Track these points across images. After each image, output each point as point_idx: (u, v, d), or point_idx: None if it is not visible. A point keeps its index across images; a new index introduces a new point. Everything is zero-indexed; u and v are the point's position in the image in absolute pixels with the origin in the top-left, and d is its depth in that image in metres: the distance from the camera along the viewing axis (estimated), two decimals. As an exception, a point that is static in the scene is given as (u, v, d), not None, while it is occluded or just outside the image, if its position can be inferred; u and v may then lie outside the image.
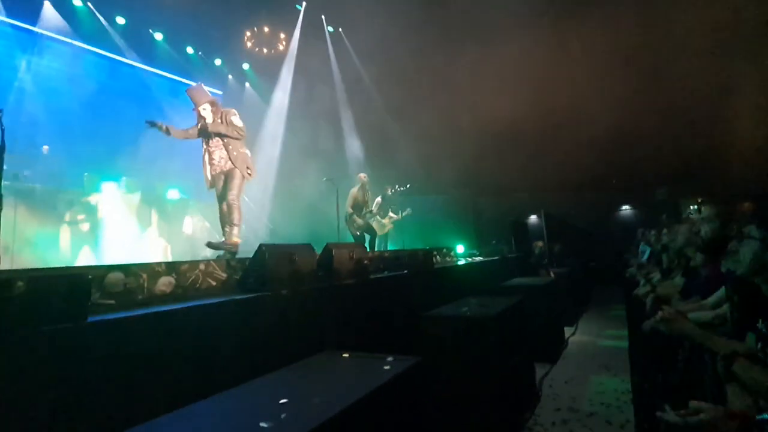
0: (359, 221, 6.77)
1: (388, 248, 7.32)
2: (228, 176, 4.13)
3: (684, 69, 9.03)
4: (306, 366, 1.94)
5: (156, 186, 7.20)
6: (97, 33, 7.95)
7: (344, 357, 2.07)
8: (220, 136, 4.11)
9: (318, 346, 2.42)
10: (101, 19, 7.92)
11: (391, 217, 7.72)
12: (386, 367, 1.85)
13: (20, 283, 1.57)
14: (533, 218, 11.58)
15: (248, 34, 10.05)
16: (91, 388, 1.60)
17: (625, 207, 12.97)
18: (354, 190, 6.84)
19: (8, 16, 6.95)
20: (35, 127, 6.51)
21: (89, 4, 7.71)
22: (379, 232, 7.43)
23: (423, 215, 9.42)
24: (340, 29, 10.90)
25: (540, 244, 8.47)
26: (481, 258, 7.03)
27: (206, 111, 4.15)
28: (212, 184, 4.23)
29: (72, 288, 1.68)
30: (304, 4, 10.17)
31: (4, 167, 2.66)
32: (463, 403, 2.85)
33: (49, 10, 7.38)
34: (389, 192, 7.85)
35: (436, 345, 2.98)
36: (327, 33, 10.89)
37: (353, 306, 3.11)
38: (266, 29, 10.25)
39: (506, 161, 10.53)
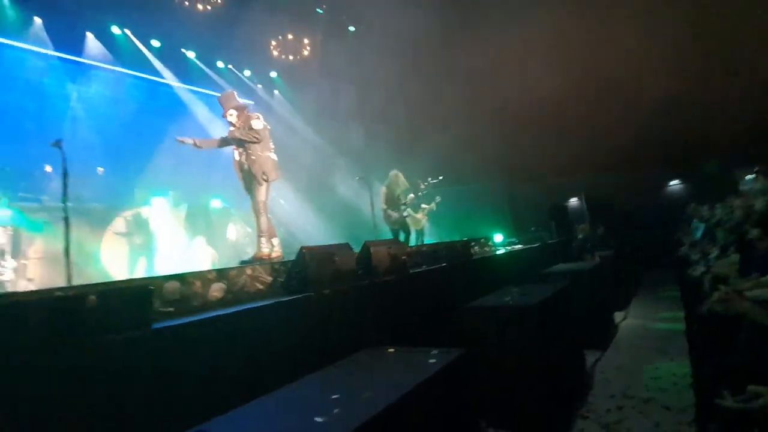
0: (394, 216, 6.81)
1: (425, 243, 7.32)
2: (251, 182, 4.15)
3: (735, 30, 8.30)
4: (353, 362, 2.01)
5: (200, 197, 7.58)
6: (135, 57, 8.43)
7: (389, 352, 2.13)
8: (238, 142, 4.13)
9: (362, 342, 2.49)
10: (138, 44, 8.40)
11: (423, 209, 7.72)
12: (431, 360, 1.89)
13: (92, 297, 1.73)
14: (573, 201, 11.15)
15: (274, 43, 10.30)
16: (158, 388, 1.75)
17: (674, 182, 12.18)
18: (385, 187, 6.88)
19: (56, 49, 7.51)
20: (89, 151, 7.01)
21: (126, 30, 8.18)
22: (414, 228, 7.47)
23: (458, 206, 9.33)
24: (362, 27, 10.94)
25: (583, 227, 8.16)
26: (521, 246, 6.88)
27: (232, 117, 4.15)
28: (246, 189, 4.26)
29: (137, 299, 1.83)
30: (324, 7, 10.29)
31: (68, 190, 2.92)
32: (510, 393, 2.83)
33: (91, 41, 7.91)
34: (422, 186, 7.85)
35: (479, 336, 2.97)
36: (349, 32, 10.97)
37: (394, 302, 3.16)
38: (290, 36, 10.47)
39: (541, 144, 10.12)
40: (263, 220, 4.07)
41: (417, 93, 10.25)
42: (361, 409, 1.40)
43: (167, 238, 6.51)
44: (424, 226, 7.72)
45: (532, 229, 8.56)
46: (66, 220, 2.69)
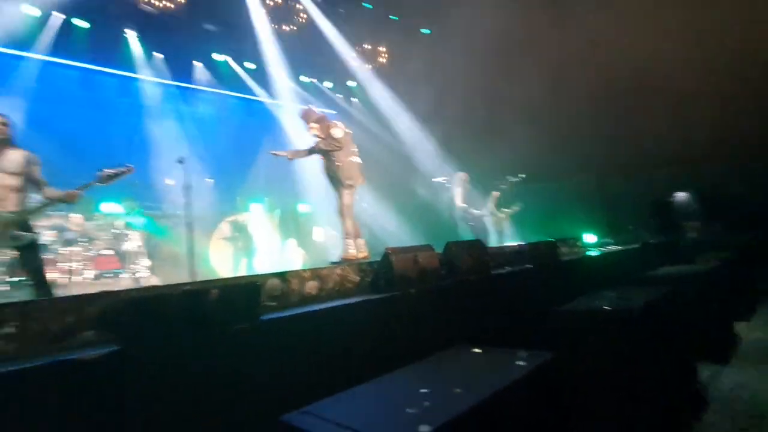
0: (472, 214, 6.78)
1: (506, 244, 7.10)
2: (337, 187, 4.41)
3: None
4: (440, 359, 2.06)
5: (289, 202, 8.26)
6: (233, 80, 9.46)
7: (475, 351, 2.14)
8: (323, 152, 4.42)
9: (447, 341, 2.52)
10: (236, 67, 9.41)
11: (504, 212, 7.52)
12: (519, 362, 1.86)
13: (214, 291, 2.02)
14: (680, 196, 9.86)
15: (352, 54, 10.77)
16: (266, 372, 1.98)
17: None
18: (456, 189, 6.87)
19: (173, 78, 8.74)
20: (201, 164, 8.03)
21: (226, 57, 9.22)
22: (495, 228, 7.30)
23: (543, 205, 8.85)
24: (436, 28, 10.94)
25: (693, 225, 7.21)
26: (617, 247, 6.30)
27: (314, 129, 4.47)
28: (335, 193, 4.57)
29: (248, 293, 2.10)
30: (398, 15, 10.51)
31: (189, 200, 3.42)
32: (607, 405, 2.64)
33: (199, 68, 9.06)
34: (503, 185, 7.64)
35: (569, 341, 2.81)
36: (423, 35, 11.04)
37: (477, 302, 3.14)
38: (366, 46, 10.86)
39: (638, 132, 9.06)
40: (349, 222, 4.29)
41: (496, 88, 9.93)
42: (450, 405, 1.44)
43: (264, 240, 7.21)
44: (505, 227, 7.49)
45: (630, 228, 7.78)
46: (189, 225, 3.15)
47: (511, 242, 7.10)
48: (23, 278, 4.53)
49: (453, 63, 10.47)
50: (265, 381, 1.94)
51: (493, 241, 6.90)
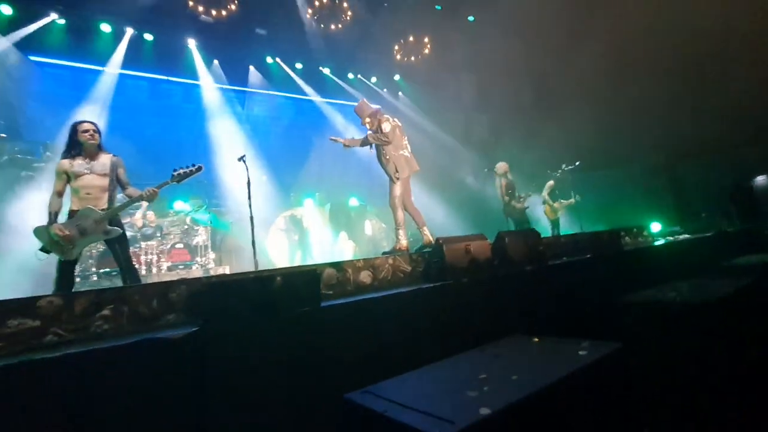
0: (517, 207, 6.60)
1: (560, 234, 6.82)
2: (388, 180, 4.51)
3: None
4: (497, 347, 2.05)
5: (340, 196, 8.48)
6: (284, 80, 9.84)
7: (534, 341, 2.10)
8: (374, 145, 4.53)
9: (501, 331, 2.50)
10: (286, 68, 9.77)
11: (561, 203, 7.21)
12: (582, 352, 1.81)
13: (279, 279, 2.16)
14: (761, 179, 8.86)
15: (396, 47, 10.77)
16: (325, 354, 2.08)
17: None
18: (499, 181, 6.69)
19: (230, 83, 9.26)
20: (256, 162, 8.47)
21: (277, 59, 9.60)
22: (550, 218, 7.04)
23: (602, 193, 8.36)
24: (481, 15, 10.63)
25: (779, 211, 6.46)
26: (687, 235, 5.82)
27: (368, 123, 4.59)
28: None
29: (310, 281, 2.21)
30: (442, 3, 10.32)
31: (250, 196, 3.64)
32: (676, 401, 2.48)
33: (253, 72, 9.51)
34: (558, 173, 7.33)
35: (636, 334, 2.67)
36: (468, 23, 10.77)
37: (533, 293, 3.06)
38: (411, 38, 10.80)
39: (713, 108, 8.14)
40: (399, 214, 4.35)
41: (548, 71, 9.47)
42: (510, 390, 1.45)
43: (317, 233, 7.49)
44: (559, 218, 7.20)
45: (703, 215, 7.14)
46: (251, 219, 3.36)
47: (569, 232, 6.80)
48: (110, 270, 5.09)
49: (500, 48, 10.11)
50: (326, 361, 2.04)
51: (548, 232, 6.65)
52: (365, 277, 2.95)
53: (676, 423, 2.47)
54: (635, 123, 8.38)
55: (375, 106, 4.74)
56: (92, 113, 6.61)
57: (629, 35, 8.43)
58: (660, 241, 5.17)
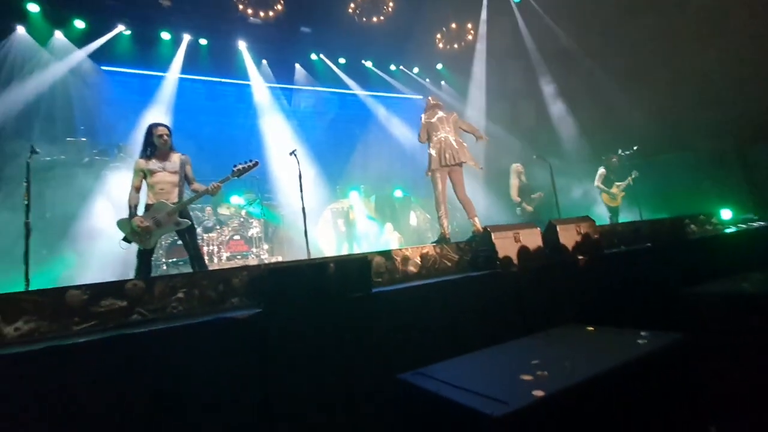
0: (527, 209, 6.52)
1: (619, 222, 6.48)
2: None
3: None
4: (550, 335, 2.03)
5: (384, 188, 8.58)
6: (328, 76, 10.05)
7: (589, 330, 2.06)
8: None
9: (554, 320, 2.46)
10: (329, 63, 9.97)
11: (618, 185, 6.84)
12: (640, 341, 1.76)
13: (332, 265, 2.27)
14: None
15: (438, 36, 10.60)
16: (377, 337, 2.17)
17: None
18: (512, 181, 6.63)
19: (277, 81, 9.61)
20: (304, 157, 8.75)
21: (321, 55, 9.82)
22: (609, 205, 6.76)
23: (663, 180, 7.79)
24: (529, -4, 10.18)
25: None
26: (762, 223, 5.30)
27: (423, 116, 4.79)
28: None
29: (361, 267, 2.31)
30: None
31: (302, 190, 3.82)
32: (750, 401, 2.32)
33: (298, 69, 9.81)
34: (613, 160, 6.96)
35: (703, 326, 2.52)
36: (514, 5, 10.35)
37: (587, 283, 2.97)
38: (453, 25, 10.57)
39: None
40: (443, 206, 4.43)
41: (599, 55, 8.92)
42: (564, 375, 1.44)
43: (363, 224, 7.65)
44: (619, 206, 6.85)
45: (783, 201, 6.45)
46: (303, 210, 3.54)
47: (624, 221, 6.45)
48: (177, 260, 5.55)
49: (546, 30, 9.65)
50: (377, 344, 2.14)
51: (605, 221, 6.37)
52: (413, 265, 3.01)
53: (743, 422, 2.32)
54: (696, 104, 7.70)
55: (434, 100, 4.85)
56: (157, 116, 7.16)
57: (688, 6, 7.74)
58: (731, 229, 4.77)
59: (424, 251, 3.14)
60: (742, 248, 4.26)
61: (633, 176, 6.88)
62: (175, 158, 3.53)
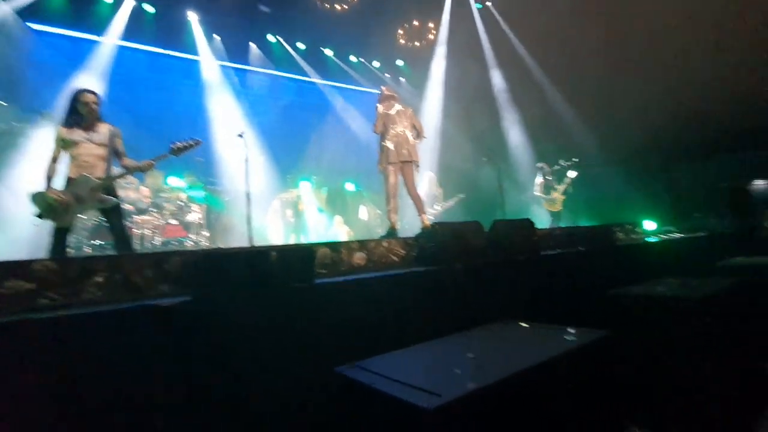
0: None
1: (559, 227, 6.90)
2: None
3: None
4: (486, 330, 2.08)
5: (336, 181, 8.46)
6: (285, 60, 9.70)
7: (523, 325, 2.14)
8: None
9: (491, 316, 2.53)
10: (287, 47, 9.63)
11: (556, 189, 7.25)
12: (568, 338, 1.85)
13: (274, 253, 2.17)
14: (760, 183, 8.92)
15: (400, 31, 10.61)
16: (317, 329, 2.10)
17: None
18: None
19: (230, 60, 9.11)
20: (254, 143, 8.39)
21: (278, 37, 9.45)
22: (550, 210, 7.13)
23: (599, 190, 8.41)
24: (488, 3, 10.48)
25: (772, 214, 6.53)
26: (680, 234, 5.88)
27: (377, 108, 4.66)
28: None
29: (304, 257, 2.22)
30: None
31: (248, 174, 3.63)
32: (663, 394, 2.55)
33: (254, 50, 9.37)
34: (548, 168, 7.37)
35: (623, 325, 2.72)
36: (475, 11, 10.62)
37: (525, 282, 3.10)
38: (416, 23, 10.63)
39: (710, 111, 8.22)
40: (392, 201, 4.43)
41: (551, 65, 9.39)
42: (497, 369, 1.47)
43: (312, 216, 7.49)
44: (560, 210, 7.26)
45: (696, 215, 7.21)
46: (248, 195, 3.36)
47: (563, 225, 6.86)
48: (104, 243, 5.08)
49: (504, 40, 10.02)
50: (318, 337, 2.07)
51: (544, 224, 6.73)
52: (359, 258, 2.96)
53: (657, 414, 2.54)
54: (631, 124, 8.40)
55: (389, 92, 4.73)
56: (89, 83, 6.50)
57: (628, 35, 8.41)
58: (653, 239, 5.23)
59: (371, 245, 3.11)
60: (661, 256, 4.69)
61: (570, 177, 7.29)
62: (103, 129, 3.21)
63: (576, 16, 8.80)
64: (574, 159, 7.61)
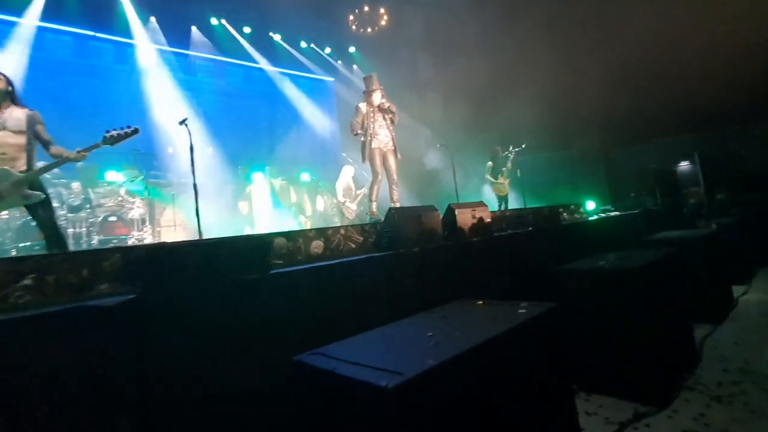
0: (352, 209, 6.68)
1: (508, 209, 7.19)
2: None
3: None
4: (444, 310, 2.13)
5: (291, 171, 8.24)
6: (231, 45, 9.22)
7: (479, 303, 2.21)
8: None
9: (449, 297, 2.60)
10: (233, 31, 9.15)
11: (503, 171, 7.53)
12: (521, 311, 1.94)
13: (224, 245, 2.07)
14: (684, 165, 9.82)
15: (351, 17, 10.44)
16: (275, 319, 2.06)
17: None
18: (345, 181, 6.84)
19: (169, 44, 8.51)
20: (199, 133, 7.97)
21: (223, 21, 8.95)
22: (497, 194, 7.39)
23: (545, 174, 8.85)
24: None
25: (695, 191, 7.22)
26: (617, 213, 6.35)
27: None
28: None
29: (259, 248, 2.15)
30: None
31: (193, 164, 3.44)
32: (605, 358, 2.76)
33: (196, 33, 8.82)
34: (500, 154, 7.64)
35: (570, 298, 2.91)
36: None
37: (479, 262, 3.21)
38: (366, 8, 10.50)
39: (641, 99, 8.96)
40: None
41: (499, 54, 9.67)
42: (455, 345, 1.52)
43: (266, 207, 7.25)
44: (507, 193, 7.56)
45: (632, 195, 7.81)
46: (195, 186, 3.18)
47: (513, 208, 7.16)
48: (32, 243, 4.62)
49: (455, 28, 10.15)
50: (277, 327, 2.02)
51: (494, 207, 6.98)
52: (316, 246, 2.92)
53: (600, 378, 2.74)
54: (571, 112, 8.92)
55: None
56: (4, 69, 5.82)
57: (573, 29, 8.88)
58: (593, 218, 5.60)
59: (329, 232, 3.08)
60: (601, 233, 5.04)
61: (512, 157, 7.58)
62: (20, 114, 2.86)
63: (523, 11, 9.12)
64: (522, 145, 7.93)
